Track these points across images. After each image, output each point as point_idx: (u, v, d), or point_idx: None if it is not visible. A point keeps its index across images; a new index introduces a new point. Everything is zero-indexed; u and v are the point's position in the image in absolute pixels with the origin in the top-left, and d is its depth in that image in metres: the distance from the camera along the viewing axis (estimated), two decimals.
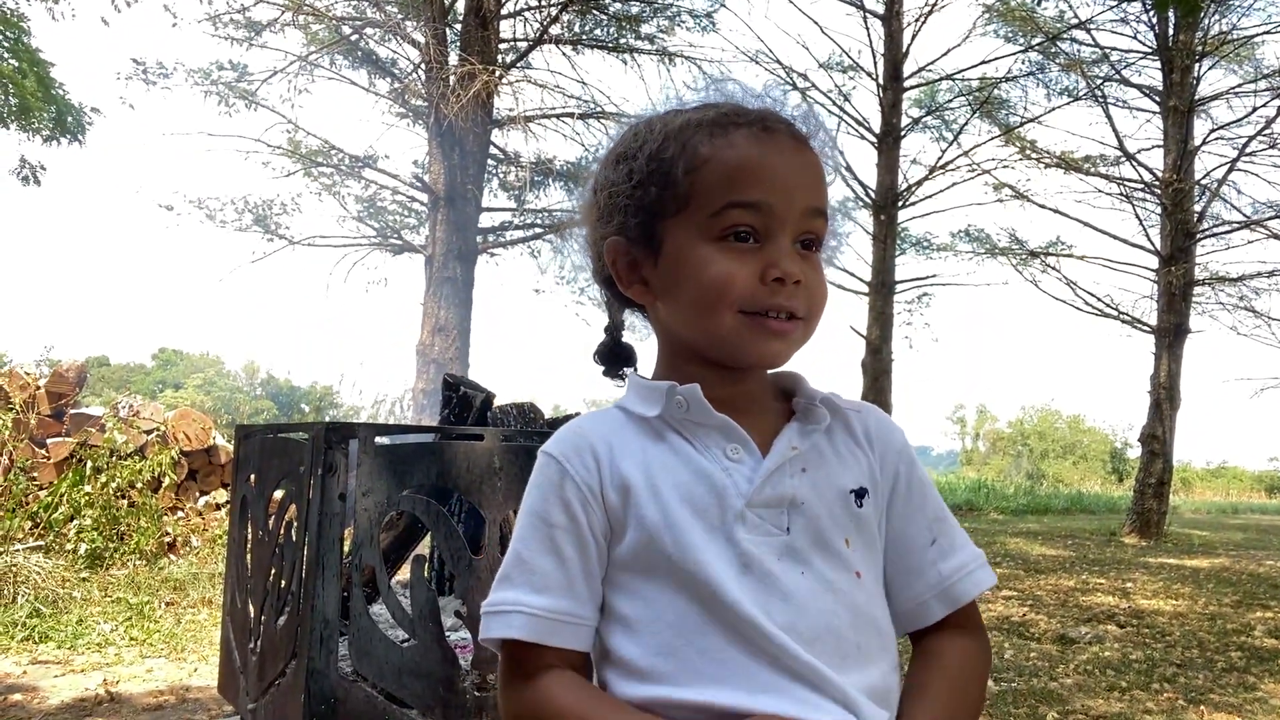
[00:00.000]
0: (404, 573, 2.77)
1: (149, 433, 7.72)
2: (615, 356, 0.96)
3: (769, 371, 0.91)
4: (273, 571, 2.43)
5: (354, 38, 10.92)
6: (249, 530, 2.61)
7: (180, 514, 7.72)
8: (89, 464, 6.99)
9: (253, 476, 2.63)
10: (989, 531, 13.53)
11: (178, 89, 11.06)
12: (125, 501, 7.21)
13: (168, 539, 7.36)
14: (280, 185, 11.59)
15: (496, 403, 3.03)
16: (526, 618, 0.80)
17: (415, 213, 12.21)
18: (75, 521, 6.77)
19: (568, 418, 3.02)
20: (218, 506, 7.90)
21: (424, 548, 2.67)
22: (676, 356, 0.89)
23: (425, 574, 2.18)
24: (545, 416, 2.84)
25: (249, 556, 2.59)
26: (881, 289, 12.73)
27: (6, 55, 8.95)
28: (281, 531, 2.38)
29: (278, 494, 2.49)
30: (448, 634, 2.22)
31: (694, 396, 0.84)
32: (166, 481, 7.49)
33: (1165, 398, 13.06)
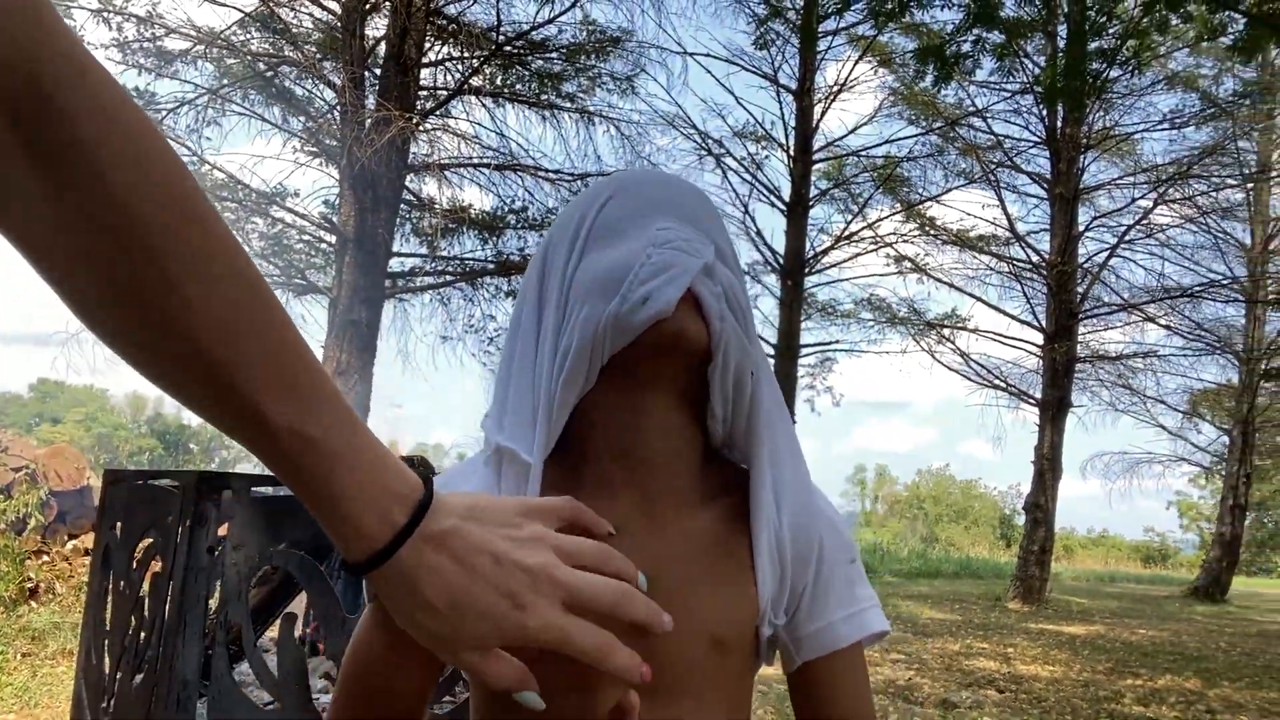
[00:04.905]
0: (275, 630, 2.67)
1: (18, 470, 7.28)
2: None
3: None
4: (132, 625, 2.31)
5: (269, 74, 10.76)
6: (110, 581, 2.47)
7: (45, 558, 7.25)
8: None
9: (118, 525, 2.50)
10: (883, 595, 13.78)
11: None
12: None
13: (30, 584, 6.89)
14: None
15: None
16: None
17: (322, 253, 11.98)
18: None
19: None
20: (86, 551, 7.46)
21: (298, 605, 2.58)
22: None
23: (295, 633, 2.10)
24: (437, 472, 2.80)
25: (108, 609, 2.45)
26: (787, 352, 13.03)
27: None
28: (144, 584, 2.27)
29: (144, 544, 2.38)
30: (315, 697, 2.14)
31: None
32: (32, 523, 7.05)
33: (1048, 468, 13.65)
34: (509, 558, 0.57)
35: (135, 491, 2.45)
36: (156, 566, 2.27)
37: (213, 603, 2.20)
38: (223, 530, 2.16)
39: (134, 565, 2.39)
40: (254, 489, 2.14)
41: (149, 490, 2.37)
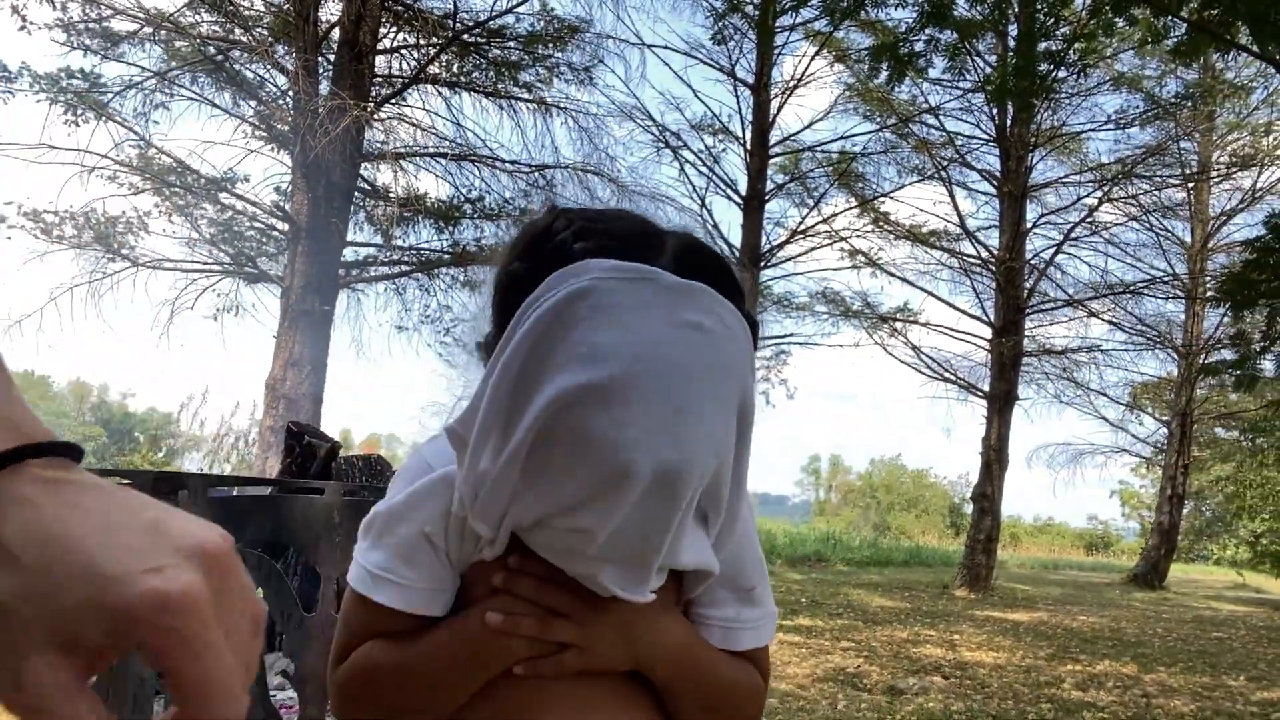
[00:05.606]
0: None
1: None
2: None
3: None
4: None
5: (219, 58, 10.56)
6: None
7: None
8: None
9: None
10: (834, 583, 14.03)
11: (21, 94, 10.37)
12: None
13: None
14: (126, 203, 10.96)
15: (347, 452, 2.98)
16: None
17: (274, 240, 11.81)
18: None
19: None
20: None
21: None
22: None
23: None
24: (393, 468, 2.82)
25: None
26: None
27: None
28: None
29: None
30: (272, 694, 2.16)
31: None
32: None
33: (995, 459, 13.97)
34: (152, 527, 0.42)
35: None
36: None
37: None
38: None
39: None
40: (211, 490, 2.14)
41: None
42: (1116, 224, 16.08)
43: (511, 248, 0.88)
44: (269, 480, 2.43)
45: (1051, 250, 14.81)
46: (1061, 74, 10.64)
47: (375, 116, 9.62)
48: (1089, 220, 15.28)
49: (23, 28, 10.43)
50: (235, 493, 2.23)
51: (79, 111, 10.38)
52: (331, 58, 10.13)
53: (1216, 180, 16.93)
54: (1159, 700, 6.49)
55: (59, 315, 10.77)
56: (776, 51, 13.49)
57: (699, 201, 13.87)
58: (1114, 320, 16.44)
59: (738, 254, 13.47)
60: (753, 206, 13.08)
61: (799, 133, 14.68)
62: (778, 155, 14.09)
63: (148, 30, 10.45)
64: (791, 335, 15.40)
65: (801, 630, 8.61)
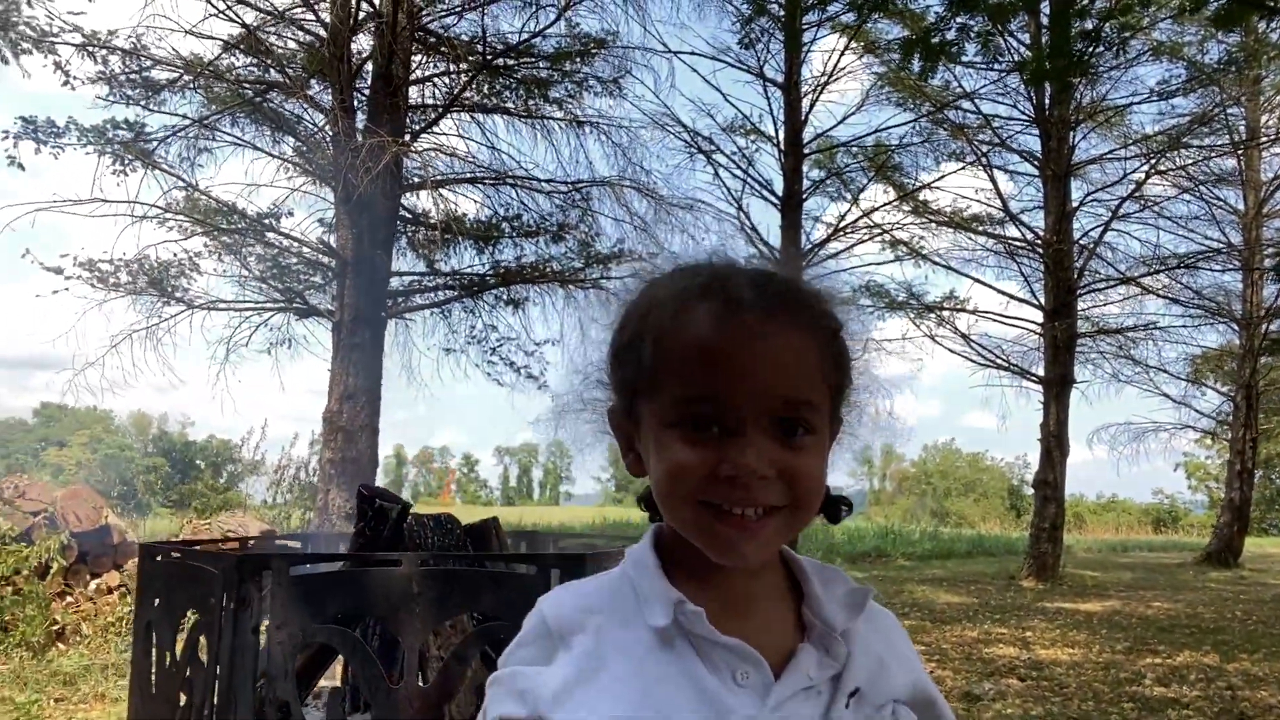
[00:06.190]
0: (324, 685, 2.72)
1: (36, 514, 7.33)
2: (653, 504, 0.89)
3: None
4: (182, 702, 2.37)
5: (256, 100, 10.77)
6: (154, 657, 2.53)
7: (70, 599, 7.32)
8: None
9: (158, 601, 2.56)
10: (897, 580, 13.88)
11: (70, 149, 10.68)
12: (10, 589, 6.81)
13: (56, 627, 6.96)
14: (177, 247, 11.23)
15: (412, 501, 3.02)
16: None
17: (321, 270, 12.02)
18: None
19: (485, 523, 3.03)
20: (110, 590, 7.53)
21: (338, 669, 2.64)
22: (677, 534, 0.82)
23: (344, 709, 2.16)
24: (461, 525, 2.85)
25: (152, 685, 2.51)
26: None
27: None
28: (189, 662, 2.32)
29: (187, 620, 2.44)
30: None
31: (699, 620, 0.78)
32: (55, 567, 7.11)
33: (1055, 445, 13.71)
34: None
35: (174, 570, 2.50)
36: (200, 644, 2.33)
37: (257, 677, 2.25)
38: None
39: (178, 643, 2.45)
40: (293, 569, 2.19)
41: (188, 569, 2.42)
42: (1166, 198, 15.68)
43: (622, 327, 0.86)
44: (346, 555, 2.47)
45: (1100, 229, 14.50)
46: (1098, 49, 10.41)
47: (411, 149, 9.75)
48: (1137, 195, 14.91)
49: (66, 83, 10.74)
50: (316, 570, 2.28)
51: (126, 161, 10.66)
52: (366, 91, 10.27)
53: (1266, 145, 16.43)
54: (1245, 692, 6.33)
55: (120, 360, 11.05)
56: (805, 49, 13.38)
57: (735, 204, 13.81)
58: (1170, 295, 16.03)
59: (778, 256, 13.39)
60: (790, 206, 12.99)
61: (833, 128, 14.55)
62: (812, 154, 13.97)
63: (187, 78, 10.70)
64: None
65: None
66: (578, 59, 11.98)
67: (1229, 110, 14.92)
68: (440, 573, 2.28)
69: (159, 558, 2.65)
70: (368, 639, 2.50)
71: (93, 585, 7.54)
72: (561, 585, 0.87)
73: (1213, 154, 15.40)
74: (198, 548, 2.85)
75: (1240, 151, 16.01)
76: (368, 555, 2.38)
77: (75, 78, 10.71)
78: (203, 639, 2.32)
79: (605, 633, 0.80)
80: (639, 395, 0.81)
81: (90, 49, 10.55)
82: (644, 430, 0.82)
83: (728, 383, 0.75)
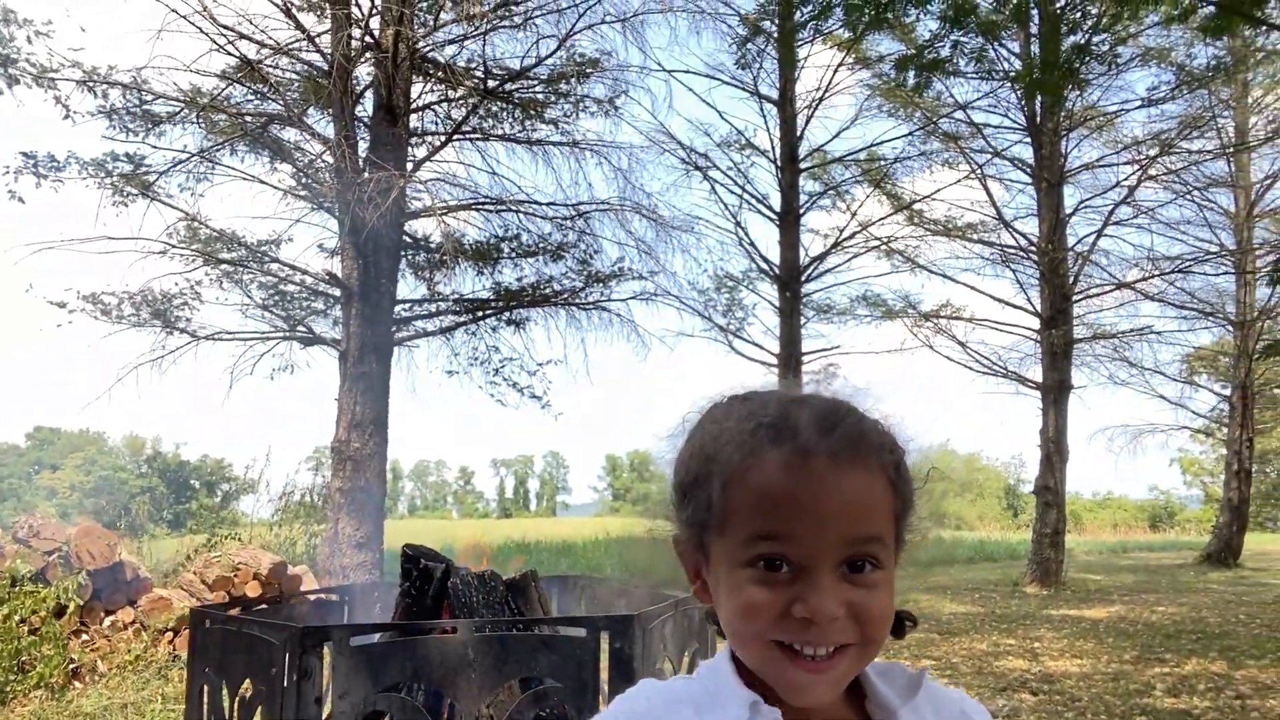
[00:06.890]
0: None
1: (50, 554, 7.37)
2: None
3: None
4: None
5: (257, 130, 10.84)
6: None
7: (85, 637, 7.35)
8: None
9: (211, 668, 2.62)
10: (901, 589, 13.84)
11: (70, 182, 10.73)
12: (26, 629, 6.84)
13: (73, 665, 6.99)
14: (180, 279, 11.29)
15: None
16: None
17: (324, 297, 12.07)
18: None
19: (524, 576, 3.10)
20: (125, 627, 7.56)
21: None
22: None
23: None
24: (503, 580, 2.92)
25: None
26: (790, 361, 13.17)
27: None
28: None
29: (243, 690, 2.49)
30: None
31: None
32: (71, 606, 7.14)
33: (1055, 450, 13.82)
34: None
35: (229, 637, 2.57)
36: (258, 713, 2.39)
37: None
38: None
39: (232, 708, 2.51)
40: (353, 639, 2.26)
41: (244, 638, 2.49)
42: (1159, 204, 15.84)
43: (688, 463, 0.88)
44: (403, 625, 2.54)
45: (1094, 235, 14.62)
46: (1089, 61, 10.53)
47: (413, 179, 9.83)
48: (1130, 200, 15.06)
49: (67, 117, 10.80)
50: (375, 640, 2.34)
51: (126, 194, 10.72)
52: (366, 120, 10.34)
53: (1255, 147, 16.60)
54: (1254, 701, 6.41)
55: (124, 392, 11.08)
56: (799, 65, 13.49)
57: (733, 220, 13.91)
58: (1164, 298, 16.19)
59: (777, 270, 13.50)
60: (787, 222, 13.10)
61: (828, 143, 14.67)
62: (809, 169, 14.08)
63: (187, 111, 10.76)
64: (838, 346, 15.39)
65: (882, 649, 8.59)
66: (574, 79, 12.08)
67: (1218, 114, 15.08)
68: (494, 639, 2.35)
69: (208, 623, 2.71)
70: (412, 697, 2.56)
71: (107, 622, 7.57)
72: (636, 687, 0.91)
73: (1203, 158, 15.56)
74: (241, 610, 2.91)
75: (1230, 153, 16.18)
76: (426, 624, 2.45)
77: (75, 112, 10.77)
78: (260, 707, 2.38)
79: None
80: (708, 531, 0.83)
81: (90, 84, 10.61)
82: (713, 564, 0.84)
83: (799, 526, 0.77)
